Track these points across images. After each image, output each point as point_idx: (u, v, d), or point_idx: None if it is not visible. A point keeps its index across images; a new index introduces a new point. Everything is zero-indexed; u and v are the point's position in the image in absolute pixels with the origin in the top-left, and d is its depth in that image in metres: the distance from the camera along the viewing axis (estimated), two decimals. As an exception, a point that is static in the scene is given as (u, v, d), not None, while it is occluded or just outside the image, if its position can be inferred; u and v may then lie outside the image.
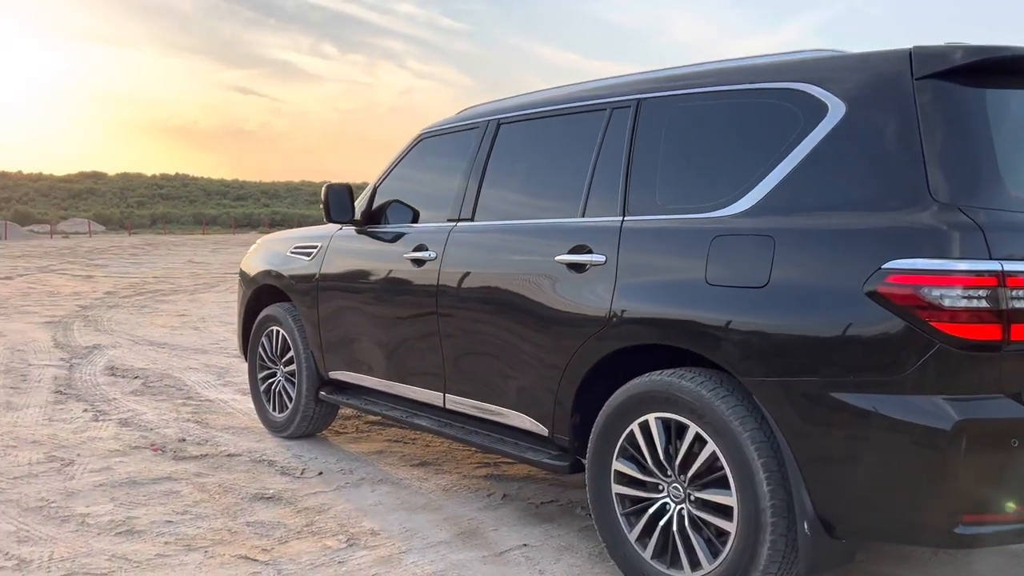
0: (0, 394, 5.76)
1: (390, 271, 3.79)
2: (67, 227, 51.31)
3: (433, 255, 3.51)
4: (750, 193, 2.47)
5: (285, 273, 4.52)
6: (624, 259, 2.73)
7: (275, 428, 4.67)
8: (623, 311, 2.69)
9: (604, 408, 2.76)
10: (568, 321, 2.87)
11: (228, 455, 4.31)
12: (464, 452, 4.40)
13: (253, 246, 5.09)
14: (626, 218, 2.79)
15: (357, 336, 4.01)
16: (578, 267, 2.87)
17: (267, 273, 4.71)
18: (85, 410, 5.30)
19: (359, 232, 4.11)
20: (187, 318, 10.46)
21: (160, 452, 4.35)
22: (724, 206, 2.53)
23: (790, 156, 2.42)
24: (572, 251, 2.89)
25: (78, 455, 4.27)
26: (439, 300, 3.45)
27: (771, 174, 2.45)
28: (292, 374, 4.53)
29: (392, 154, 4.18)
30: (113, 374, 6.57)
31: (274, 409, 4.70)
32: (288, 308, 4.56)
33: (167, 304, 12.23)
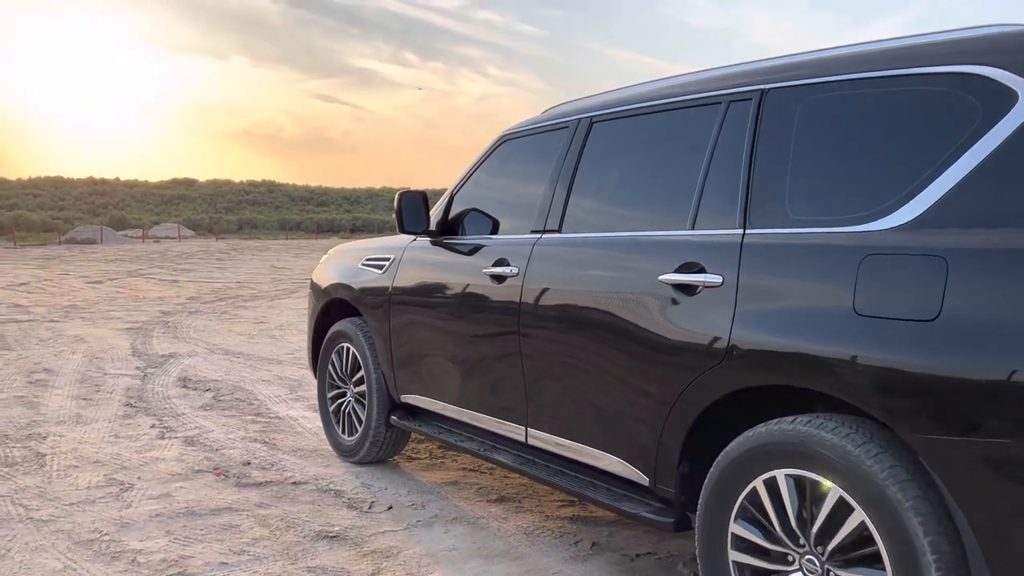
0: (72, 407, 5.64)
1: (467, 287, 3.41)
2: (158, 232, 53.10)
3: (515, 271, 3.12)
4: (912, 202, 1.99)
5: (356, 286, 4.20)
6: (747, 280, 2.27)
7: (344, 452, 4.36)
8: (745, 344, 2.24)
9: (720, 458, 2.31)
10: (675, 352, 2.43)
11: (293, 483, 4.00)
12: (546, 487, 3.98)
13: (325, 256, 4.80)
14: (748, 231, 2.34)
15: (430, 358, 3.65)
16: (688, 288, 2.42)
17: (338, 286, 4.40)
18: (152, 426, 5.11)
19: (434, 244, 3.76)
20: (264, 325, 10.37)
21: (223, 477, 4.08)
22: (877, 218, 2.05)
23: (966, 156, 1.93)
24: (680, 270, 2.45)
25: (138, 478, 4.04)
26: (521, 322, 3.05)
27: (940, 178, 1.96)
28: (363, 395, 4.21)
29: (471, 159, 3.81)
30: (185, 386, 6.41)
31: (343, 432, 4.39)
32: (359, 324, 4.24)
33: (247, 310, 12.22)
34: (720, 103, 2.56)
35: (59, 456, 4.40)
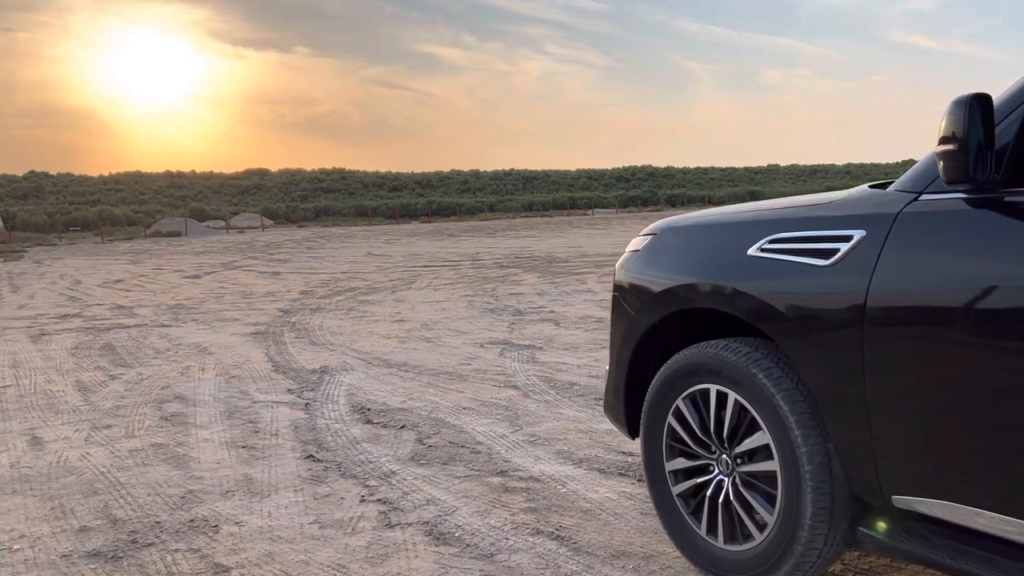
0: (233, 461, 4.03)
1: None
2: (240, 222, 52.63)
3: None
4: None
5: (754, 289, 2.40)
6: None
7: (720, 567, 2.59)
8: None
9: None
10: None
11: (679, 644, 2.26)
12: None
13: (640, 241, 3.02)
14: None
15: (998, 435, 1.83)
16: None
17: (693, 289, 2.63)
18: (362, 499, 3.45)
19: (977, 203, 1.93)
20: (407, 324, 8.75)
21: (545, 628, 2.36)
22: None
23: None
24: None
25: (405, 633, 2.35)
26: None
27: None
28: (760, 477, 2.43)
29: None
30: (367, 419, 4.76)
31: (712, 533, 2.62)
32: (753, 355, 2.45)
33: (372, 305, 10.65)
34: None
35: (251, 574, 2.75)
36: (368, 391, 5.53)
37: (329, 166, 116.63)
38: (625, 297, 2.96)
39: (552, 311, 9.37)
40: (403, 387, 5.63)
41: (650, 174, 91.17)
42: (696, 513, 2.69)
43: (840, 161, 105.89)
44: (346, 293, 12.38)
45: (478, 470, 3.80)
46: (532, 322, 8.56)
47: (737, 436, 2.51)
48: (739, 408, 2.49)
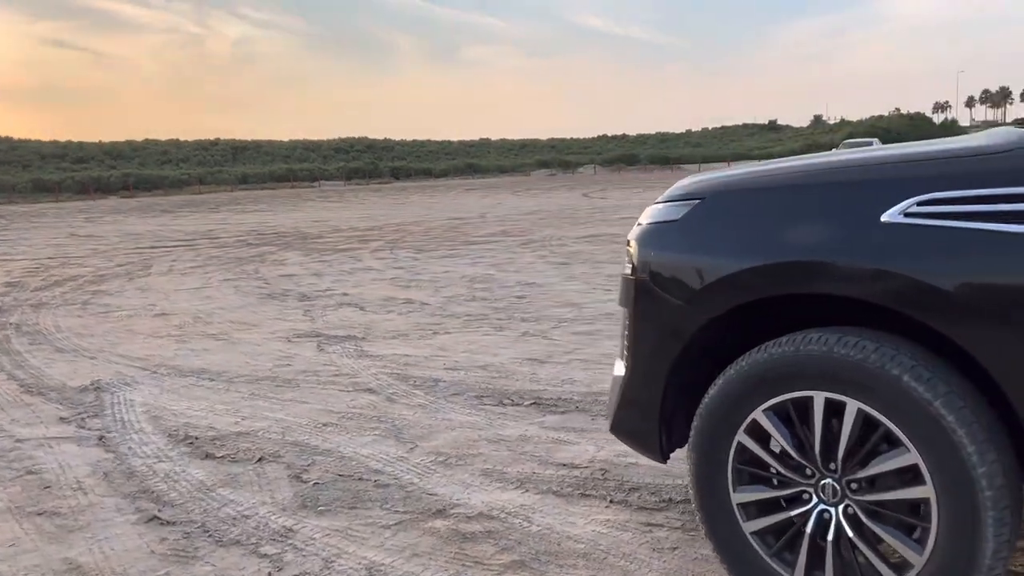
0: (35, 538, 2.77)
1: None
2: None
3: None
4: None
5: (909, 271, 1.82)
6: None
7: (829, 625, 2.03)
8: None
9: None
10: None
11: None
12: None
13: (670, 209, 2.32)
14: None
15: None
16: None
17: (795, 271, 2.02)
18: (273, 580, 2.45)
19: None
20: (174, 319, 7.29)
21: None
22: None
23: None
24: None
25: None
26: None
27: None
28: (892, 505, 1.91)
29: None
30: (204, 452, 3.63)
31: (816, 579, 2.06)
32: (886, 351, 1.89)
33: (113, 297, 8.89)
34: None
35: None
36: (178, 411, 4.30)
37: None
38: (662, 284, 2.28)
39: (345, 293, 8.37)
40: (221, 402, 4.47)
41: (368, 146, 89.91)
42: (784, 555, 2.11)
43: (544, 136, 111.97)
44: (68, 283, 10.29)
45: (405, 512, 2.93)
46: (329, 308, 7.53)
47: (858, 456, 1.96)
48: (863, 420, 1.94)
